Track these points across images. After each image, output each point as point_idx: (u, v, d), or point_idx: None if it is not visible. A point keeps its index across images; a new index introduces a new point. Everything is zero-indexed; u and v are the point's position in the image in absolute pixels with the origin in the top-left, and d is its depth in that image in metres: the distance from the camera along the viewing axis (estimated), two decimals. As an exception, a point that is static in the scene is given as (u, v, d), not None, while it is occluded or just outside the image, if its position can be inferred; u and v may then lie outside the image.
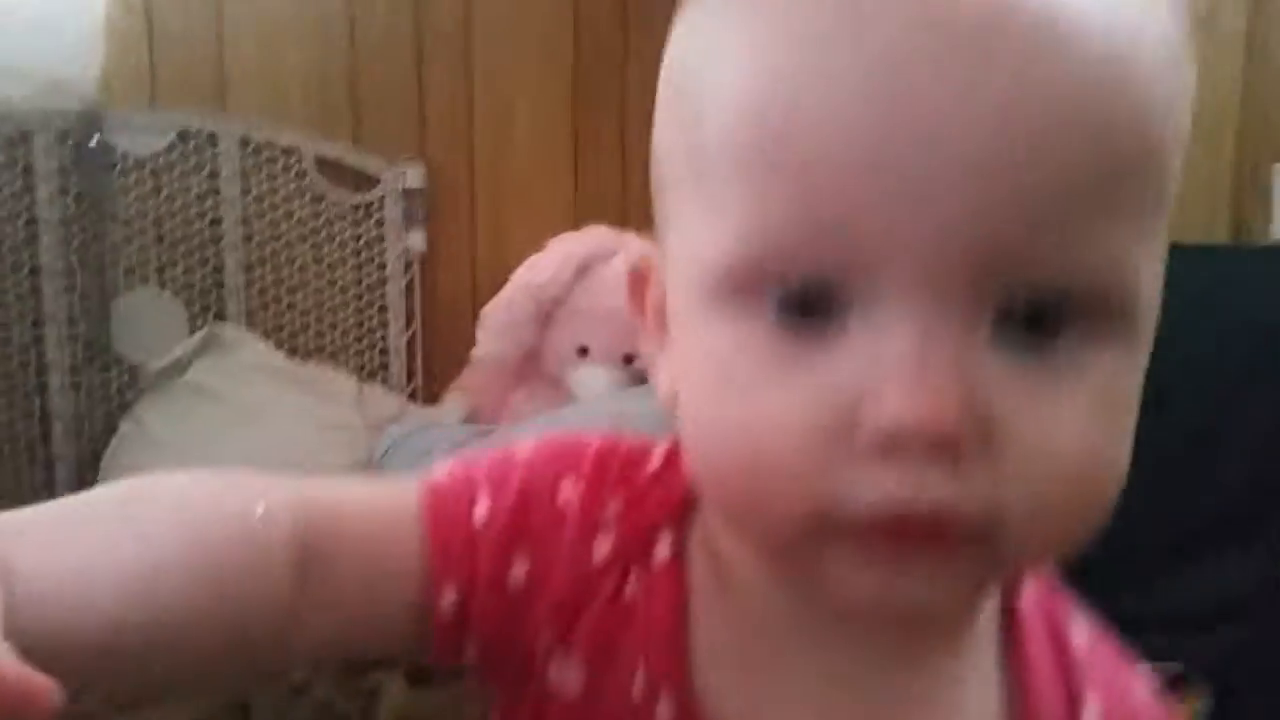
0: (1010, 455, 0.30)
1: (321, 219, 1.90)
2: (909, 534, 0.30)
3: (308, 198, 1.88)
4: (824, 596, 0.33)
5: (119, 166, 1.76)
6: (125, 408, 1.76)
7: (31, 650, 0.27)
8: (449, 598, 0.38)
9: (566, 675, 0.38)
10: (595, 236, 1.82)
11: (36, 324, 1.75)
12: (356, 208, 1.92)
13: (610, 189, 2.10)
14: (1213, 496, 1.18)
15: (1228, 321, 1.20)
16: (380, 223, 1.93)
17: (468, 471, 0.40)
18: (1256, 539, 1.14)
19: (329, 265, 1.92)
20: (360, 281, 1.95)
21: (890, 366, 0.29)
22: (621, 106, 2.14)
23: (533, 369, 1.83)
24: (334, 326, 1.94)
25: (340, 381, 1.87)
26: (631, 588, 0.38)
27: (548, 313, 1.80)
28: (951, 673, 0.38)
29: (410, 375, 1.98)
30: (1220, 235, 1.29)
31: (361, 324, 1.96)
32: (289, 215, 1.88)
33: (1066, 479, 0.30)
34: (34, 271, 1.73)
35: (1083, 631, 0.41)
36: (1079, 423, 0.30)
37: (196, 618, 0.34)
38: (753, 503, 0.32)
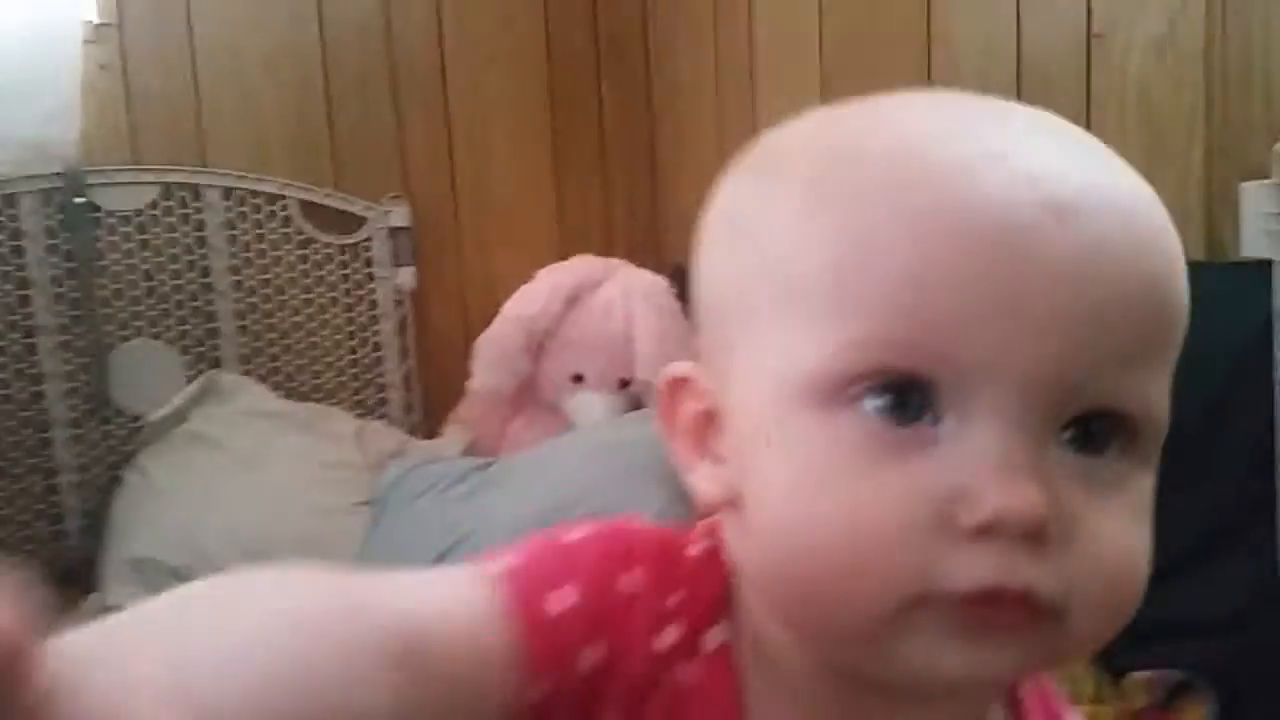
0: (1077, 547, 0.35)
1: (310, 262, 1.93)
2: (1001, 609, 0.34)
3: (295, 243, 1.92)
4: (902, 673, 0.36)
5: (105, 224, 1.79)
6: (129, 457, 1.79)
7: None
8: (535, 689, 0.38)
9: None
10: (583, 265, 1.86)
11: (36, 381, 1.77)
12: (344, 249, 1.95)
13: (594, 217, 2.15)
14: (1205, 507, 1.22)
15: (1208, 336, 1.24)
16: (369, 262, 1.96)
17: (533, 564, 0.41)
18: (1248, 548, 1.18)
19: (320, 307, 1.95)
20: (353, 321, 1.98)
21: (986, 466, 0.34)
22: (600, 134, 2.18)
23: (529, 398, 1.86)
24: (330, 367, 1.97)
25: (339, 421, 1.89)
26: (690, 673, 0.40)
27: (540, 343, 1.84)
28: None
29: (409, 410, 2.02)
30: (1194, 253, 1.34)
31: (357, 363, 1.99)
32: (277, 261, 1.91)
33: (1117, 572, 0.36)
34: (29, 331, 1.76)
35: (1071, 717, 0.47)
36: (1124, 526, 0.36)
37: (299, 713, 0.32)
38: (851, 585, 0.35)
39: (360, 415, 1.95)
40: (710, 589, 0.41)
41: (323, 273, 1.94)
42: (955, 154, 0.35)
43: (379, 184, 1.97)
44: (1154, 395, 0.37)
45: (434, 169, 2.04)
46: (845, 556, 0.35)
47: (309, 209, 1.92)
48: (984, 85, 0.42)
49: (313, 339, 1.96)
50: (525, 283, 1.89)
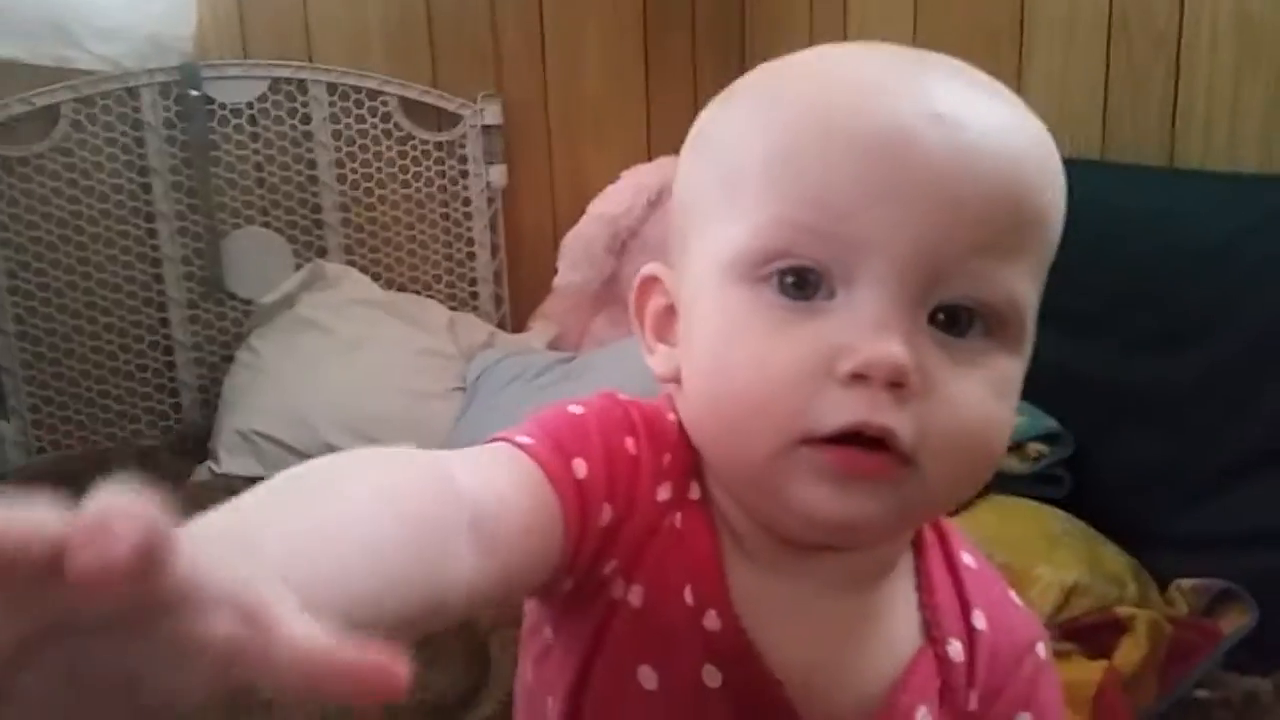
0: (934, 404, 0.42)
1: (408, 158, 2.02)
2: (864, 455, 0.41)
3: (394, 138, 2.00)
4: (790, 514, 0.44)
5: (218, 116, 1.89)
6: (240, 338, 1.92)
7: None
8: (570, 544, 0.45)
9: (630, 592, 0.47)
10: (667, 167, 1.90)
11: (155, 264, 1.90)
12: (440, 145, 2.03)
13: (682, 120, 2.12)
14: (1256, 425, 1.24)
15: (1271, 252, 1.25)
16: (463, 159, 2.04)
17: (555, 435, 0.47)
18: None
19: (418, 202, 2.04)
20: (448, 216, 2.06)
21: (863, 329, 0.41)
22: (691, 36, 2.19)
23: (611, 295, 1.93)
24: (426, 260, 2.07)
25: (434, 311, 2.00)
26: (679, 521, 0.48)
27: (623, 242, 1.90)
28: (885, 594, 0.50)
29: (498, 303, 2.11)
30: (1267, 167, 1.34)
31: (451, 257, 2.08)
32: (378, 155, 2.00)
33: (968, 431, 0.43)
34: (150, 217, 1.88)
35: (970, 556, 0.53)
36: (978, 394, 0.43)
37: (404, 586, 0.37)
38: (753, 423, 0.43)
39: (453, 307, 2.05)
40: (689, 451, 0.49)
41: (420, 168, 2.02)
42: (869, 78, 0.43)
43: (474, 82, 2.03)
44: (1016, 288, 0.43)
45: (527, 68, 2.08)
46: (753, 396, 0.43)
47: (408, 105, 1.99)
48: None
49: (410, 232, 2.05)
50: (612, 183, 1.95)
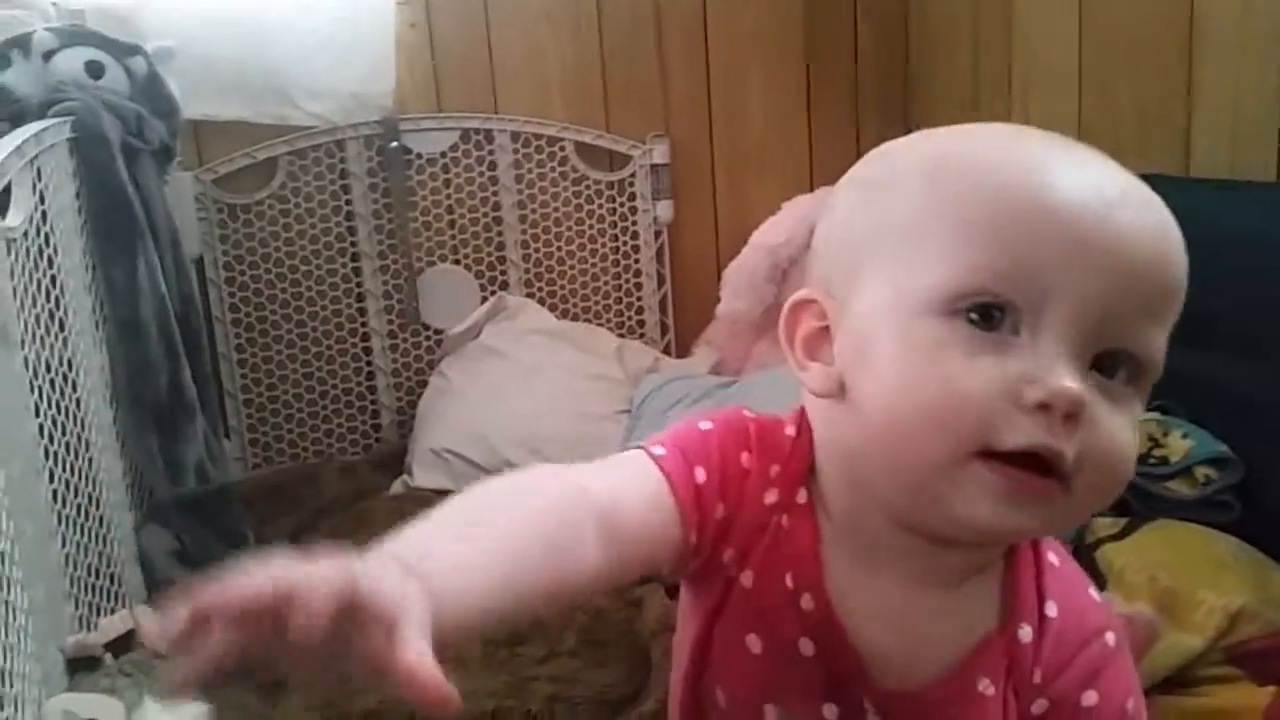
0: (1092, 436, 0.48)
1: (582, 197, 2.16)
2: (1034, 478, 0.48)
3: (570, 180, 2.14)
4: (952, 522, 0.50)
5: (415, 164, 2.08)
6: (433, 365, 2.10)
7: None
8: (692, 535, 0.55)
9: (743, 575, 0.56)
10: (827, 196, 1.96)
11: (359, 299, 2.11)
12: (611, 185, 2.16)
13: (844, 150, 2.22)
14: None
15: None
16: (632, 197, 2.16)
17: (681, 448, 0.56)
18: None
19: (590, 238, 2.18)
20: (617, 250, 2.19)
21: (1049, 362, 0.48)
22: (854, 73, 2.25)
23: (772, 322, 2.00)
24: (597, 291, 2.21)
25: (604, 339, 2.12)
26: (785, 521, 0.56)
27: (784, 270, 1.97)
28: (968, 591, 0.57)
29: (664, 331, 2.23)
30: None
31: (620, 287, 2.21)
32: (555, 196, 2.15)
33: (1116, 462, 0.50)
34: (355, 256, 2.09)
35: (1054, 555, 0.59)
36: (1124, 430, 0.50)
37: (540, 585, 0.49)
38: (935, 435, 0.48)
39: (621, 335, 2.17)
40: (799, 463, 0.57)
41: (593, 206, 2.17)
42: (1039, 158, 0.51)
43: (644, 124, 2.16)
44: (1156, 344, 0.51)
45: (693, 109, 2.19)
46: (941, 410, 0.48)
47: (582, 149, 2.13)
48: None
49: (583, 266, 2.19)
50: (773, 214, 2.03)
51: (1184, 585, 1.23)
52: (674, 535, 0.55)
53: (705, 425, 0.58)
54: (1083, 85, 1.82)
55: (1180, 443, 1.46)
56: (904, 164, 0.54)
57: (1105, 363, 0.50)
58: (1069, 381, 0.47)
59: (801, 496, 0.57)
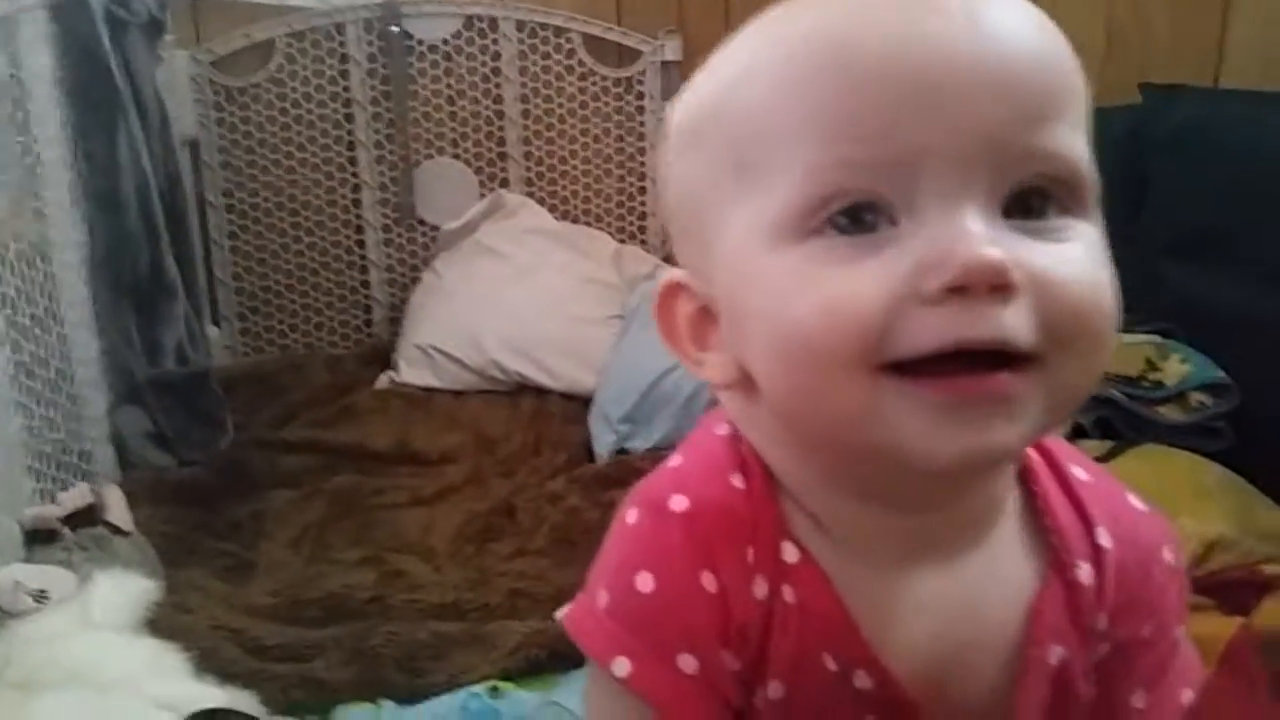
0: (1043, 290, 0.38)
1: (588, 94, 2.08)
2: (976, 379, 0.37)
3: (576, 74, 2.07)
4: (907, 468, 0.39)
5: (415, 51, 2.01)
6: (427, 262, 2.06)
7: None
8: (727, 706, 0.46)
9: (770, 689, 0.45)
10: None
11: (355, 189, 2.06)
12: (619, 82, 2.09)
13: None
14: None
15: None
16: (640, 95, 2.09)
17: (645, 634, 0.45)
18: None
19: (594, 137, 2.11)
20: (622, 151, 2.12)
21: (946, 238, 0.38)
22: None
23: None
24: (599, 193, 2.14)
25: (602, 242, 2.07)
26: (790, 596, 0.45)
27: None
28: (1001, 536, 0.47)
29: (664, 238, 2.16)
30: None
31: (622, 190, 2.14)
32: (560, 91, 2.07)
33: (1088, 303, 0.39)
34: (351, 145, 2.03)
35: (1080, 469, 0.49)
36: (1082, 263, 0.40)
37: None
38: (831, 371, 0.39)
39: (621, 239, 2.11)
40: (765, 514, 0.46)
41: (599, 104, 2.09)
42: (841, 16, 0.41)
43: (656, 18, 2.07)
44: (1074, 147, 0.40)
45: (709, 3, 2.10)
46: (820, 339, 0.39)
47: (590, 42, 2.05)
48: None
49: (586, 166, 2.12)
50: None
51: (1163, 511, 1.19)
52: None
53: (645, 582, 0.45)
54: (1113, -10, 1.73)
55: (1178, 367, 1.41)
56: (696, 98, 0.45)
57: (1026, 203, 0.39)
58: (976, 248, 0.37)
59: (789, 553, 0.45)
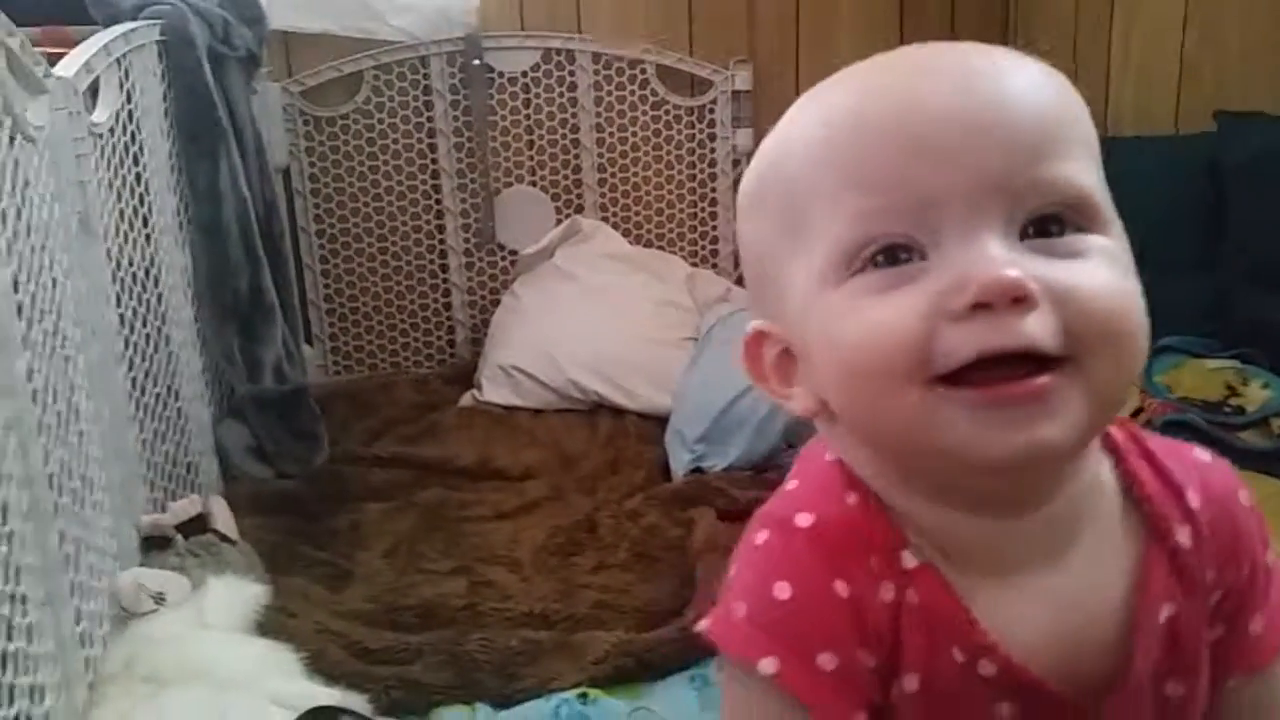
0: (1062, 296, 0.43)
1: (661, 122, 2.15)
2: (1013, 381, 0.42)
3: (650, 104, 2.13)
4: (971, 468, 0.44)
5: (496, 83, 2.09)
6: (507, 285, 2.13)
7: None
8: (871, 698, 0.49)
9: (905, 682, 0.49)
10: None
11: (439, 216, 2.14)
12: (691, 110, 2.15)
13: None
14: None
15: None
16: (712, 124, 2.14)
17: (790, 640, 0.48)
18: None
19: (667, 164, 2.17)
20: (694, 178, 2.18)
21: (967, 264, 0.44)
22: (950, 4, 2.19)
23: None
24: (671, 218, 2.21)
25: (675, 266, 2.12)
26: (913, 597, 0.49)
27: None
28: (1102, 519, 0.51)
29: (736, 262, 2.20)
30: None
31: (695, 215, 2.20)
32: (634, 120, 2.14)
33: (1112, 306, 0.44)
34: (435, 174, 2.12)
35: (1155, 440, 0.54)
36: (1098, 270, 0.45)
37: None
38: (885, 389, 0.44)
39: (694, 263, 2.17)
40: (880, 526, 0.50)
41: (671, 132, 2.15)
42: (886, 68, 0.48)
43: (727, 48, 2.13)
44: (1081, 179, 0.46)
45: (779, 34, 2.15)
46: (870, 359, 0.45)
47: (664, 72, 2.12)
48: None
49: (659, 192, 2.19)
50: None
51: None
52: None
53: (783, 592, 0.49)
54: (1187, 18, 1.74)
55: (1259, 393, 1.42)
56: (756, 168, 0.52)
57: (1044, 228, 0.45)
58: (993, 267, 0.43)
59: (908, 560, 0.49)
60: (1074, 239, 0.45)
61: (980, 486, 0.47)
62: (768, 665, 0.48)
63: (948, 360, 0.43)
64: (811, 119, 0.49)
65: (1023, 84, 0.46)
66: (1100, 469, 0.51)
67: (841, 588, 0.48)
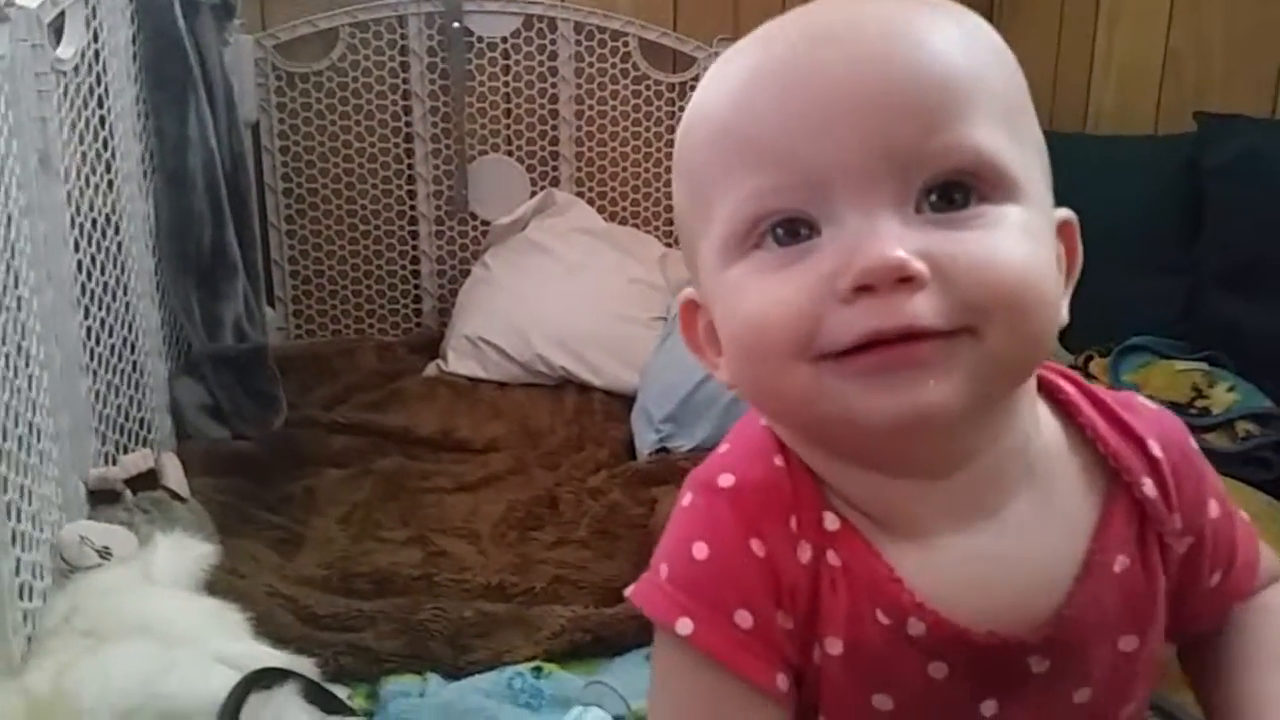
0: (959, 270, 0.42)
1: (642, 98, 2.12)
2: (895, 349, 0.42)
3: (631, 78, 2.10)
4: (864, 431, 0.44)
5: (475, 48, 2.05)
6: (477, 255, 2.10)
7: None
8: (788, 662, 0.49)
9: (828, 645, 0.48)
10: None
11: (410, 181, 2.10)
12: (673, 87, 2.12)
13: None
14: None
15: None
16: (693, 101, 2.12)
17: (703, 595, 0.48)
18: None
19: (646, 140, 2.14)
20: (673, 155, 2.15)
21: (853, 244, 0.43)
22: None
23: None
24: (648, 196, 2.18)
25: (649, 245, 2.10)
26: (832, 560, 0.48)
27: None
28: (1055, 475, 0.50)
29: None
30: None
31: (671, 194, 2.17)
32: (614, 94, 2.11)
33: (1009, 277, 0.43)
34: (408, 138, 2.07)
35: (1105, 392, 0.53)
36: (1004, 244, 0.43)
37: None
38: (778, 364, 0.44)
39: (668, 243, 2.14)
40: (804, 488, 0.50)
41: (651, 108, 2.12)
42: (775, 33, 0.46)
43: (712, 25, 2.10)
44: (982, 142, 0.44)
45: (765, 12, 2.11)
46: (759, 338, 0.45)
47: (646, 46, 2.09)
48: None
49: (635, 169, 2.16)
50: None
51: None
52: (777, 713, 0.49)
53: (700, 550, 0.49)
54: (1172, 18, 1.75)
55: (1225, 395, 1.42)
56: (678, 136, 0.51)
57: (949, 195, 0.44)
58: (877, 249, 0.42)
59: (830, 521, 0.49)
60: (977, 209, 0.44)
61: (881, 451, 0.47)
62: (684, 625, 0.48)
63: (834, 343, 0.43)
64: (713, 89, 0.48)
65: (919, 44, 0.44)
66: (1042, 427, 0.51)
67: (758, 546, 0.48)
